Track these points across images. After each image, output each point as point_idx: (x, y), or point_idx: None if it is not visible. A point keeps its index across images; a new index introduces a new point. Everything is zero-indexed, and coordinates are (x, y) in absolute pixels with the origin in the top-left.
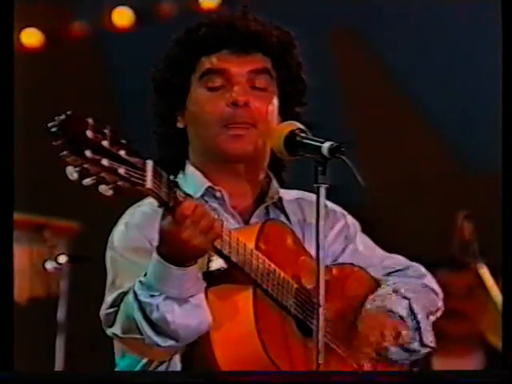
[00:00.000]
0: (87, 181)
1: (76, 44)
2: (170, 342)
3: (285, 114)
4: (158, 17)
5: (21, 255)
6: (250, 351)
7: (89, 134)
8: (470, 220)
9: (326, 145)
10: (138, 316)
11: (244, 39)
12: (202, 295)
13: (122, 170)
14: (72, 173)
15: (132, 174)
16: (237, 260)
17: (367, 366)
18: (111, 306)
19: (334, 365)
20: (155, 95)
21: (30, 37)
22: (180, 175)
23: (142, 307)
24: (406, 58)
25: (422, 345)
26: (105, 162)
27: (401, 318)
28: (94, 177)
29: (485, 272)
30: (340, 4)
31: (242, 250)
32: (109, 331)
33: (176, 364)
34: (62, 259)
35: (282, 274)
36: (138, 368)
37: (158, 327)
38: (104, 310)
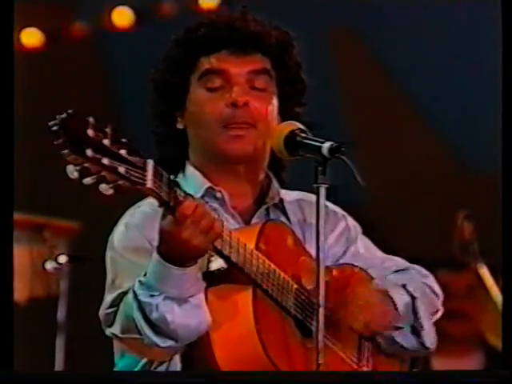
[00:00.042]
0: (87, 180)
1: (76, 44)
2: (170, 343)
3: (284, 114)
4: (158, 17)
5: (21, 255)
6: (249, 351)
7: (90, 132)
8: (470, 220)
9: (326, 145)
10: (138, 316)
11: (243, 40)
12: (202, 295)
13: (122, 169)
14: (72, 172)
15: (132, 173)
16: (237, 260)
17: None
18: (111, 306)
19: (334, 365)
20: (155, 95)
21: (30, 37)
22: (180, 176)
23: (141, 307)
24: (406, 57)
25: (424, 347)
26: (105, 160)
27: (396, 310)
28: (95, 176)
29: (485, 272)
30: (340, 4)
31: (243, 250)
32: (108, 331)
33: (176, 364)
34: (62, 259)
35: (282, 275)
36: (137, 368)
37: (158, 327)
38: (103, 310)
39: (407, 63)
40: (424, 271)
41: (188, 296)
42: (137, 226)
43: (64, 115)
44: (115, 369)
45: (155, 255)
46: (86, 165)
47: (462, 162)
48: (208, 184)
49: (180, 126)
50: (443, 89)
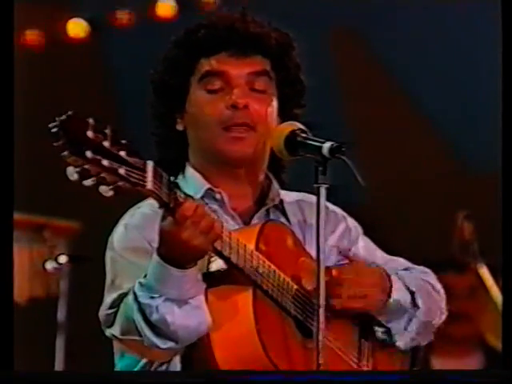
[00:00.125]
0: (87, 181)
1: (76, 44)
2: (170, 344)
3: (284, 115)
4: (158, 17)
5: (21, 255)
6: (249, 351)
7: (89, 134)
8: (470, 220)
9: (327, 145)
10: (138, 317)
11: (243, 41)
12: (202, 297)
13: (122, 171)
14: (72, 173)
15: (132, 174)
16: (237, 261)
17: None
18: (110, 307)
19: (334, 365)
20: (154, 97)
21: (31, 37)
22: (180, 177)
23: (141, 308)
24: (406, 58)
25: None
26: (105, 162)
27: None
28: (95, 177)
29: (485, 272)
30: (340, 4)
31: (242, 251)
32: (108, 332)
33: (176, 364)
34: (62, 259)
35: (282, 275)
36: (137, 368)
37: (158, 328)
38: (103, 311)
39: (407, 63)
40: (426, 270)
41: (188, 297)
42: (136, 227)
43: (63, 117)
44: (115, 369)
45: (155, 257)
46: (85, 166)
47: (462, 162)
48: (208, 185)
49: (180, 127)
50: (443, 89)
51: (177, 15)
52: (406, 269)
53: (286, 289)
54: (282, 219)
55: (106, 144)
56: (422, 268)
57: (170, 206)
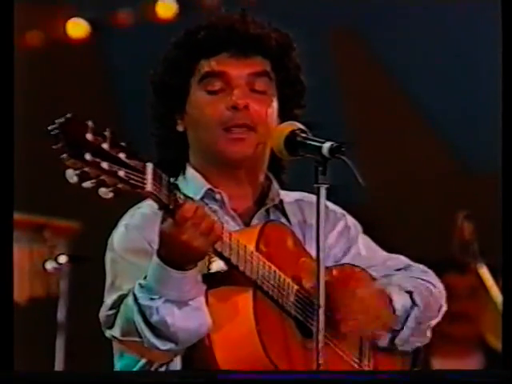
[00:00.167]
0: (87, 184)
1: (76, 44)
2: (170, 345)
3: (284, 116)
4: (158, 17)
5: (21, 255)
6: (250, 352)
7: (89, 136)
8: (470, 220)
9: (327, 145)
10: (138, 319)
11: (243, 42)
12: (202, 298)
13: (121, 173)
14: (72, 176)
15: (132, 176)
16: (237, 262)
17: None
18: (111, 308)
19: (335, 365)
20: (154, 98)
21: (31, 36)
22: (180, 177)
23: (141, 310)
24: (406, 58)
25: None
26: (105, 164)
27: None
28: (94, 180)
29: (485, 272)
30: (340, 4)
31: (243, 252)
32: (108, 333)
33: (176, 365)
34: (62, 259)
35: (283, 276)
36: (136, 368)
37: (158, 330)
38: (103, 312)
39: (407, 63)
40: (424, 268)
41: (188, 299)
42: (136, 228)
43: (62, 119)
44: (115, 369)
45: (155, 258)
46: (85, 169)
47: (462, 162)
48: (208, 186)
49: (180, 128)
50: (443, 89)
51: (177, 15)
52: (405, 267)
53: (286, 289)
54: (282, 219)
55: (106, 146)
56: (421, 266)
57: (170, 207)
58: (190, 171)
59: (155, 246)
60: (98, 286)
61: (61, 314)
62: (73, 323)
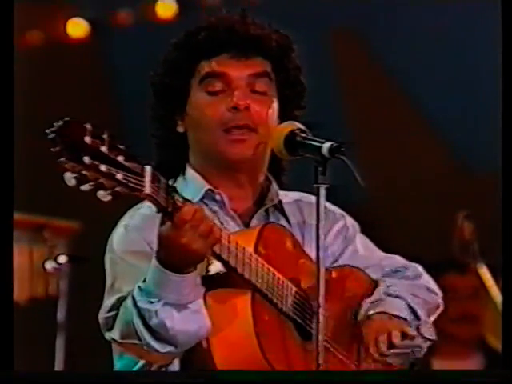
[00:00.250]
0: (85, 187)
1: (76, 44)
2: (169, 348)
3: (284, 117)
4: (158, 17)
5: (21, 255)
6: (248, 354)
7: (87, 139)
8: (470, 220)
9: (326, 145)
10: (137, 322)
11: (243, 43)
12: (201, 301)
13: (120, 176)
14: (70, 179)
15: (130, 179)
16: (235, 264)
17: (369, 366)
18: (110, 310)
19: (334, 367)
20: (154, 99)
21: (31, 36)
22: (180, 178)
23: (140, 313)
24: (406, 57)
25: (423, 338)
26: (103, 167)
27: (404, 319)
28: (92, 183)
29: (485, 272)
30: (340, 4)
31: (241, 255)
32: (107, 335)
33: (174, 367)
34: (62, 259)
35: (282, 278)
36: (136, 368)
37: (157, 333)
38: (103, 314)
39: (407, 63)
40: (420, 270)
41: (187, 302)
42: (136, 228)
43: (61, 122)
44: (114, 369)
45: (154, 261)
46: (83, 172)
47: (462, 162)
48: (208, 186)
49: (180, 129)
50: (443, 89)
51: (177, 16)
52: (399, 270)
53: (285, 292)
54: (282, 220)
55: (104, 149)
56: (416, 267)
57: (169, 210)
58: (189, 172)
59: (155, 247)
60: (98, 286)
61: (61, 314)
62: (73, 323)
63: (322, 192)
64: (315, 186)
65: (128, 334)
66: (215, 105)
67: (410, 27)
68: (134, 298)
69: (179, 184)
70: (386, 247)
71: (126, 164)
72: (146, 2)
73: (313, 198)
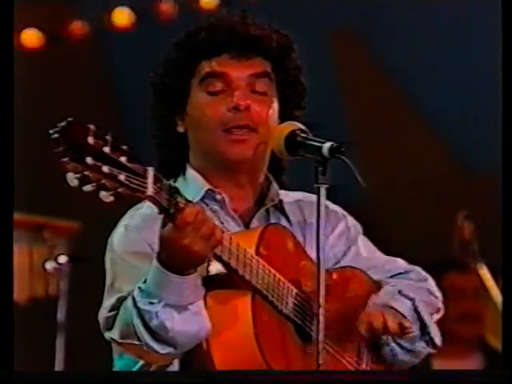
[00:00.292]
0: (88, 187)
1: (76, 44)
2: (169, 349)
3: (284, 117)
4: (158, 17)
5: (21, 255)
6: (247, 355)
7: (90, 140)
8: (470, 220)
9: (327, 145)
10: (137, 323)
11: (244, 43)
12: (201, 302)
13: (122, 177)
14: (72, 179)
15: (133, 180)
16: (236, 266)
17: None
18: (110, 310)
19: (333, 368)
20: (154, 99)
21: (30, 37)
22: (180, 178)
23: (140, 314)
24: (406, 58)
25: (433, 344)
26: (105, 168)
27: (404, 317)
28: (95, 183)
29: (485, 272)
30: (340, 4)
31: (242, 256)
32: (107, 335)
33: (174, 367)
34: (62, 259)
35: (282, 280)
36: (136, 368)
37: (157, 334)
38: (103, 314)
39: (407, 63)
40: (423, 274)
41: (188, 303)
42: (136, 228)
43: (64, 123)
44: (114, 369)
45: (155, 262)
46: (86, 172)
47: (462, 162)
48: (208, 186)
49: (180, 129)
50: (443, 89)
51: (177, 16)
52: (402, 273)
53: (285, 293)
54: (283, 219)
55: (107, 150)
56: (419, 271)
57: (171, 211)
58: (190, 172)
59: (155, 248)
60: (98, 286)
61: (61, 314)
62: (73, 323)
63: (323, 192)
64: (315, 186)
65: (128, 334)
66: (215, 105)
67: (409, 27)
68: (134, 299)
69: (180, 184)
70: (386, 247)
71: (129, 165)
72: (146, 2)
73: (314, 198)
